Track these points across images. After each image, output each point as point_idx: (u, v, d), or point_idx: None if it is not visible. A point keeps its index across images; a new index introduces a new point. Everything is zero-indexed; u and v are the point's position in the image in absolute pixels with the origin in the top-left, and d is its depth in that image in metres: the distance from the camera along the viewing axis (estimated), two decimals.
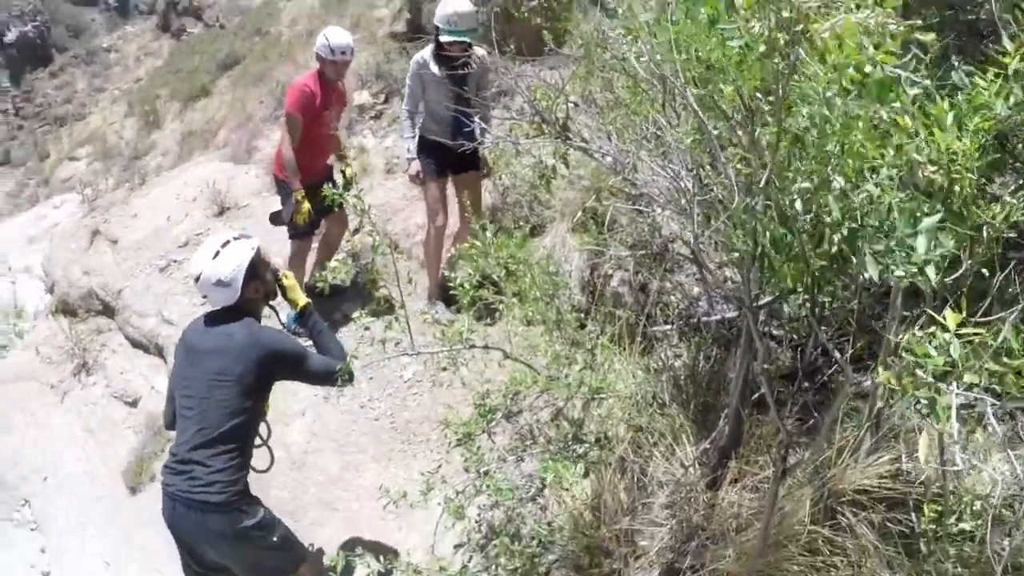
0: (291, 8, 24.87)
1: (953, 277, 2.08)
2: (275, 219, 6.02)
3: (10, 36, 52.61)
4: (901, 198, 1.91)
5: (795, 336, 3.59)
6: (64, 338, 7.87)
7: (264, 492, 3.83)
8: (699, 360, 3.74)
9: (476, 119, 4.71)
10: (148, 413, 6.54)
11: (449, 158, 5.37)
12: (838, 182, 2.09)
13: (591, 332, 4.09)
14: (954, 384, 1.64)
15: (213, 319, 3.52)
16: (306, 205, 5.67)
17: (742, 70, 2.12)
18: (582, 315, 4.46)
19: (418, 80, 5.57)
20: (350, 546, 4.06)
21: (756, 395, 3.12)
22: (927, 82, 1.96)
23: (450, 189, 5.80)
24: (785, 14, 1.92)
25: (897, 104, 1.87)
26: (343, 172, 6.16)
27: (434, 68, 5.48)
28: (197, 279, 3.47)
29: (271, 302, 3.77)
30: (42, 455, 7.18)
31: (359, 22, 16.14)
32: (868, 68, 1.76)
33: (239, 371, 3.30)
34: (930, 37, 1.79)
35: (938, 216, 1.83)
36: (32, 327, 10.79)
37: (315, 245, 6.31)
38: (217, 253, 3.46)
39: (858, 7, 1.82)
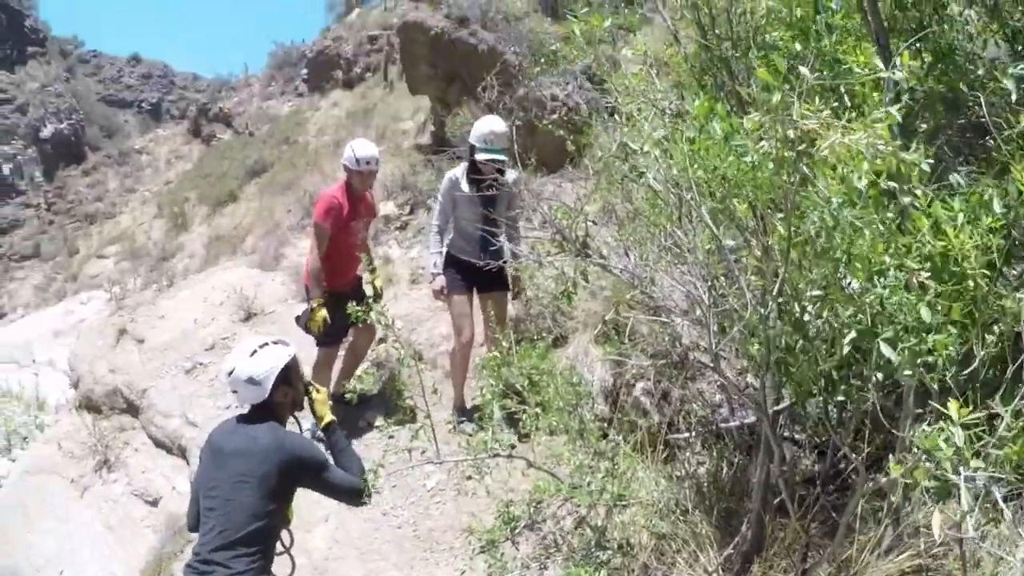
0: (318, 118, 25.78)
1: (965, 373, 2.19)
2: (298, 321, 6.18)
3: (45, 132, 54.53)
4: (909, 297, 2.04)
5: (817, 439, 3.67)
6: (87, 434, 7.98)
7: None
8: (721, 466, 3.82)
9: (502, 238, 4.86)
10: (169, 513, 6.59)
11: (476, 275, 5.51)
12: (855, 284, 2.22)
13: (613, 441, 4.17)
14: (961, 469, 1.75)
15: (239, 422, 3.61)
16: (321, 313, 5.81)
17: (755, 184, 2.28)
18: (605, 424, 4.55)
19: (449, 197, 5.73)
20: None
21: (778, 499, 3.20)
22: (918, 191, 2.12)
23: (476, 302, 5.90)
24: (791, 133, 2.10)
25: (891, 215, 2.03)
26: (372, 284, 6.33)
27: (465, 187, 5.64)
28: (230, 373, 3.56)
29: (296, 413, 3.82)
30: (59, 549, 7.24)
31: (384, 134, 16.75)
32: (864, 183, 1.93)
33: (262, 473, 3.36)
34: (915, 157, 1.96)
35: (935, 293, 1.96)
36: (55, 421, 10.93)
37: (342, 353, 6.45)
38: (254, 352, 3.57)
39: (851, 129, 2.00)
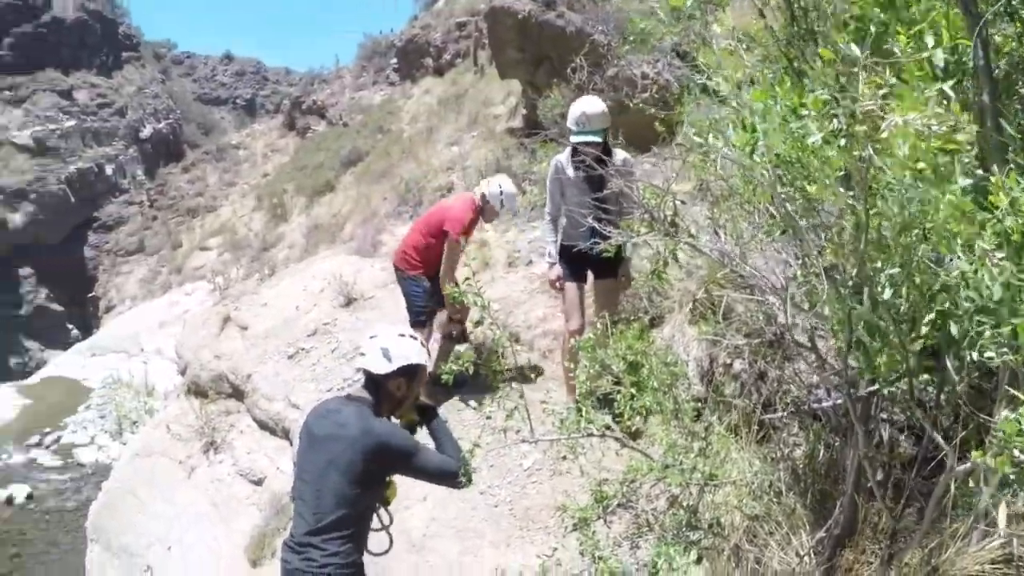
0: (410, 107, 26.27)
1: None
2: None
3: (145, 132, 57.67)
4: (995, 273, 2.04)
5: (915, 420, 3.66)
6: (194, 417, 8.51)
7: (382, 575, 4.02)
8: (818, 448, 3.85)
9: (596, 222, 4.86)
10: (272, 492, 6.98)
11: (588, 262, 5.50)
12: (955, 262, 2.20)
13: (707, 421, 4.23)
14: None
15: (334, 405, 3.80)
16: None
17: (824, 161, 2.31)
18: (700, 404, 4.60)
19: (557, 184, 5.74)
20: None
21: (870, 482, 3.23)
22: (977, 172, 2.12)
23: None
24: (856, 110, 2.14)
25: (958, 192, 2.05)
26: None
27: (570, 171, 5.60)
28: (372, 337, 3.78)
29: (397, 415, 3.92)
30: (167, 526, 7.77)
31: (476, 119, 17.05)
32: (922, 164, 1.96)
33: (347, 460, 3.49)
34: (966, 138, 1.98)
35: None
36: (164, 406, 11.56)
37: (437, 336, 6.73)
38: (404, 335, 3.80)
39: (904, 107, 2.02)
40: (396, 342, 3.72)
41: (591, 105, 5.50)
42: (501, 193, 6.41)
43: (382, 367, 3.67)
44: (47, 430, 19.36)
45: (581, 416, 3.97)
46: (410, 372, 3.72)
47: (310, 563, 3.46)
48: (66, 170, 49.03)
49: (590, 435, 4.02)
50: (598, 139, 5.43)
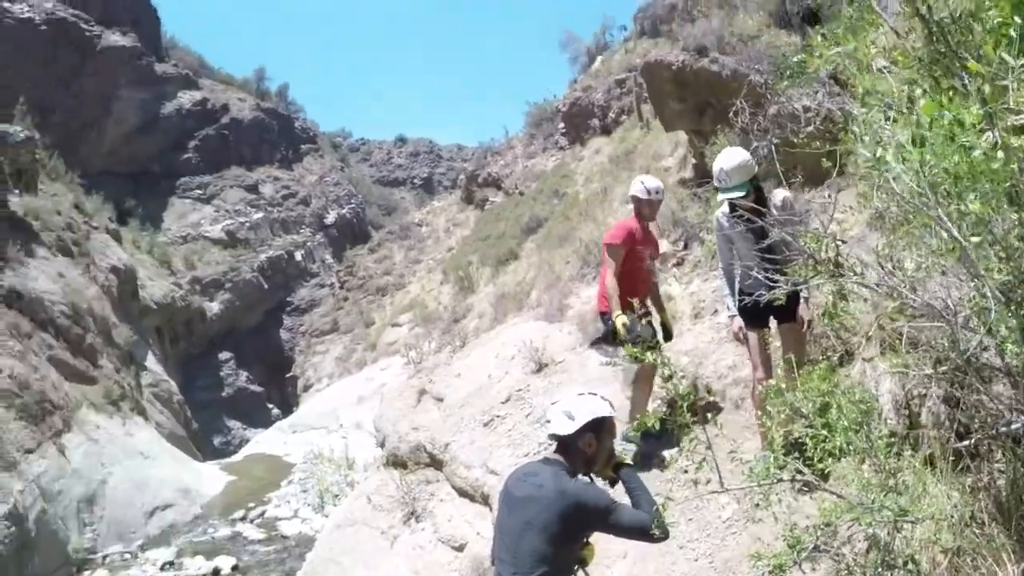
0: (582, 168, 26.88)
1: None
2: (601, 342, 6.96)
3: (330, 218, 62.01)
4: None
5: None
6: (395, 488, 9.03)
7: None
8: (1020, 472, 3.80)
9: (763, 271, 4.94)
10: (473, 557, 7.31)
11: (768, 309, 5.46)
12: None
13: (901, 454, 4.22)
14: None
15: (531, 468, 4.05)
16: (621, 318, 6.48)
17: (991, 177, 2.39)
18: (894, 439, 4.57)
19: (723, 239, 5.92)
20: None
21: None
22: None
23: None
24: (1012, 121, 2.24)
25: None
26: (663, 323, 7.10)
27: (732, 224, 5.65)
28: (553, 403, 4.09)
29: (592, 471, 4.12)
30: None
31: (648, 173, 17.21)
32: None
33: (544, 520, 3.69)
34: None
35: None
36: (364, 478, 12.23)
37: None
38: (582, 394, 4.09)
39: None
40: (576, 401, 3.99)
41: (728, 159, 5.57)
42: (643, 183, 6.92)
43: (567, 428, 3.92)
44: (251, 505, 20.19)
45: (770, 463, 4.08)
46: (596, 426, 3.94)
47: None
48: (258, 259, 53.40)
49: (779, 481, 4.11)
50: (742, 193, 5.50)
